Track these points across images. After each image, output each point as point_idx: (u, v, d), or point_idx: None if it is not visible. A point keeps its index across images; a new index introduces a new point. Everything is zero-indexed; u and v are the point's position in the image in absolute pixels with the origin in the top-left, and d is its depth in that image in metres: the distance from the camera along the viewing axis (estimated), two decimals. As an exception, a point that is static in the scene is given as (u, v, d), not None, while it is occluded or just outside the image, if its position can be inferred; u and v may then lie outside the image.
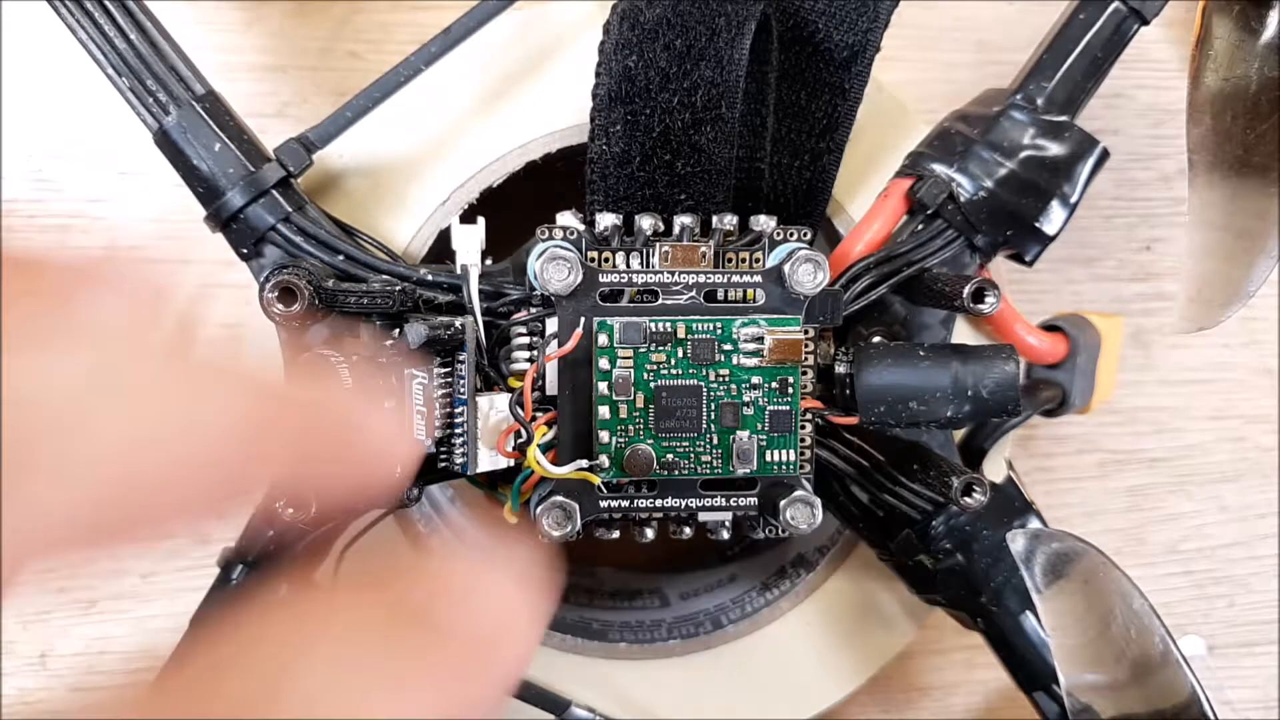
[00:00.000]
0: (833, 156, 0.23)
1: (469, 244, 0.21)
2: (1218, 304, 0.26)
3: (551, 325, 0.21)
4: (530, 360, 0.21)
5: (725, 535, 0.22)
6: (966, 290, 0.21)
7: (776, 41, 0.22)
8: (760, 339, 0.20)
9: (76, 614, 0.28)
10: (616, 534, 0.22)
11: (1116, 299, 0.32)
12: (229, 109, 0.22)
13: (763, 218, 0.22)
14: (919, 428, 0.22)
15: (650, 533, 0.22)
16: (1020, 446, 0.31)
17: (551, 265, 0.20)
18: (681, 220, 0.21)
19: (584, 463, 0.21)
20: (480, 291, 0.21)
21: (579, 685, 0.25)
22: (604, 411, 0.21)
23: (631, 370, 0.20)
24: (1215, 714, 0.21)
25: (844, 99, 0.23)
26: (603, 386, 0.20)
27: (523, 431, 0.20)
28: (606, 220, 0.21)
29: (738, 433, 0.21)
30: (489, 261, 0.22)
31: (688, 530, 0.22)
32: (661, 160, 0.22)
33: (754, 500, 0.22)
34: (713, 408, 0.21)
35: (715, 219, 0.21)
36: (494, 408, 0.20)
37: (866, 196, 0.24)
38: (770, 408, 0.21)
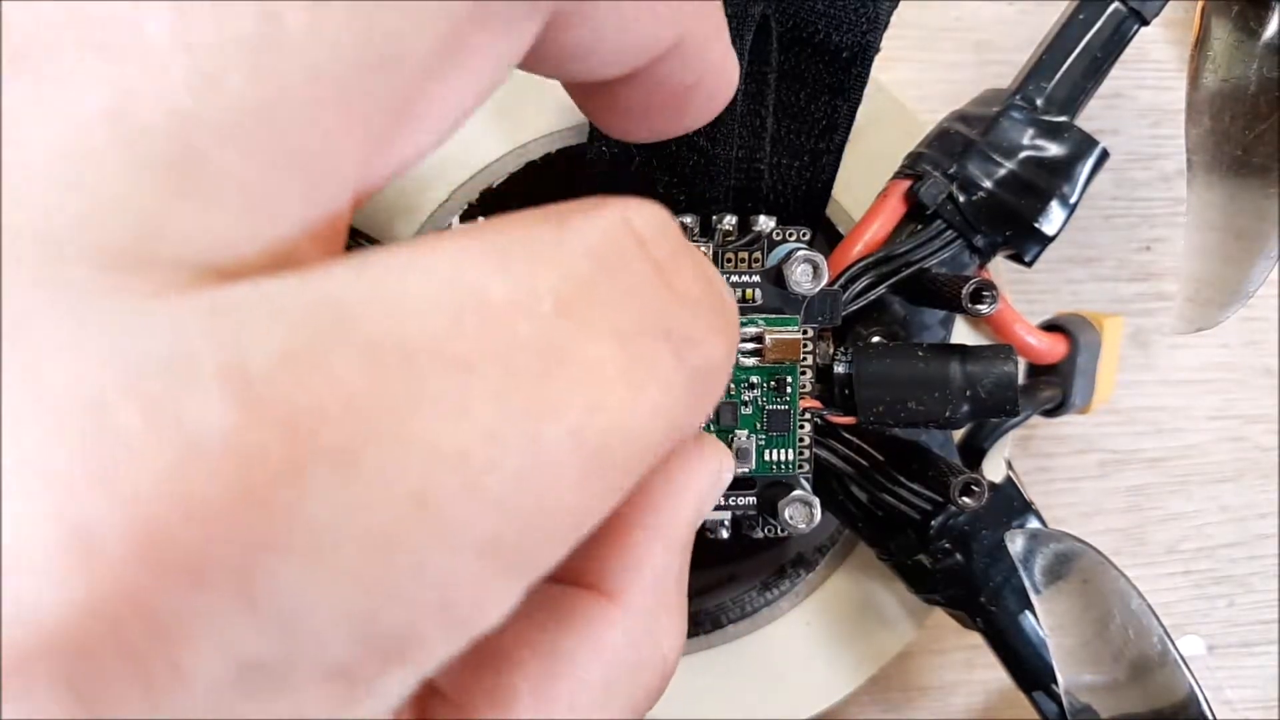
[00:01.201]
0: (832, 157, 0.23)
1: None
2: (1218, 304, 0.26)
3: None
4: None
5: (724, 535, 0.22)
6: (965, 290, 0.21)
7: (776, 42, 0.22)
8: (759, 339, 0.20)
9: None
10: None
11: (1116, 299, 0.32)
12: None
13: (762, 218, 0.22)
14: (918, 427, 0.22)
15: (649, 532, 0.22)
16: (1020, 446, 0.31)
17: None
18: (681, 220, 0.21)
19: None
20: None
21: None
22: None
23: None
24: (1213, 713, 0.21)
25: (844, 100, 0.23)
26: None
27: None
28: (606, 220, 0.21)
29: (736, 432, 0.21)
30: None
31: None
32: (661, 161, 0.22)
33: (752, 500, 0.22)
34: (711, 407, 0.21)
35: (715, 219, 0.22)
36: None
37: (866, 196, 0.24)
38: (768, 407, 0.21)
